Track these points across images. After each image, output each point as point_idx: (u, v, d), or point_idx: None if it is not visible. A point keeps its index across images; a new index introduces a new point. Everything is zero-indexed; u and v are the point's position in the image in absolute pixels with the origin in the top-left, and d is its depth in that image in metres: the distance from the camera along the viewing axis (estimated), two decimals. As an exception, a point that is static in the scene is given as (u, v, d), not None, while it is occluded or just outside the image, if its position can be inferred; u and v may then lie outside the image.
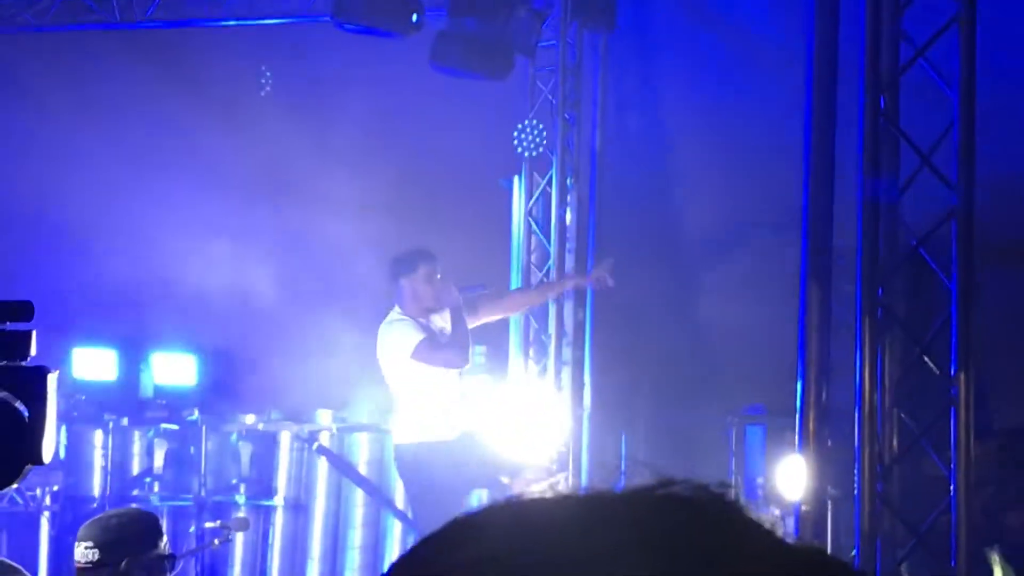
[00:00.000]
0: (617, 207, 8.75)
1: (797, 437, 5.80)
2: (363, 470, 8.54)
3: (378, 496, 8.46)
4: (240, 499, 8.54)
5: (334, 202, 8.75)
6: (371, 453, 8.55)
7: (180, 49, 9.72)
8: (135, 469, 8.75)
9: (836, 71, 5.85)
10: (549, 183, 8.41)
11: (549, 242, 8.39)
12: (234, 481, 8.61)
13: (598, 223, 8.58)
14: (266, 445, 8.69)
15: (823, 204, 5.88)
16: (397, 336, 6.57)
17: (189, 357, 8.94)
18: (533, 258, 8.52)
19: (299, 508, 8.61)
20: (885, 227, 5.74)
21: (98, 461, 8.65)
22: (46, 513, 8.44)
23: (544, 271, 8.37)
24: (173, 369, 8.95)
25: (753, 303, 8.22)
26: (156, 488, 8.56)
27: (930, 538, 5.54)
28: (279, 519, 8.63)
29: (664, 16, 9.26)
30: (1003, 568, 5.72)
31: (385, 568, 0.73)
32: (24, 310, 2.50)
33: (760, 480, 7.07)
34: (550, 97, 8.46)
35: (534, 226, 8.51)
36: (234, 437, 8.68)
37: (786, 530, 0.73)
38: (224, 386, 8.95)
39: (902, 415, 5.80)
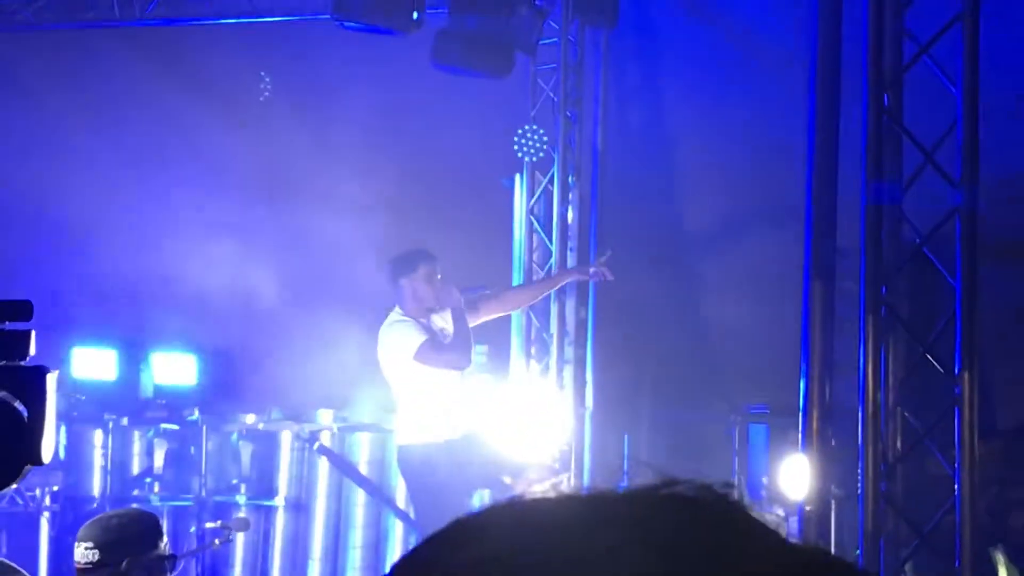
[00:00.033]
0: (619, 205, 8.73)
1: (800, 436, 5.78)
2: (364, 470, 8.52)
3: (379, 496, 8.45)
4: (241, 499, 8.52)
5: (335, 201, 8.73)
6: (372, 453, 8.53)
7: (180, 47, 9.70)
8: (135, 469, 8.72)
9: (839, 69, 5.83)
10: (551, 181, 8.39)
11: (551, 241, 8.37)
12: (235, 481, 8.59)
13: (600, 221, 8.56)
14: (267, 445, 8.67)
15: (826, 202, 5.86)
16: (399, 337, 6.54)
17: (189, 356, 8.92)
18: (535, 257, 8.50)
19: (300, 508, 8.59)
20: (888, 226, 5.72)
21: (98, 461, 8.63)
22: (46, 513, 8.42)
23: (546, 270, 8.34)
24: (173, 369, 8.92)
25: (756, 301, 8.21)
26: (156, 488, 8.54)
27: (934, 538, 5.53)
28: (280, 519, 8.61)
29: (665, 13, 9.24)
30: (1007, 568, 5.70)
31: (387, 568, 0.72)
32: (23, 310, 2.50)
33: (765, 480, 7.04)
34: (551, 95, 8.44)
35: (536, 225, 8.49)
36: (235, 437, 8.66)
37: (789, 530, 0.71)
38: (225, 386, 8.93)
39: (906, 414, 5.79)
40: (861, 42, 5.64)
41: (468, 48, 7.65)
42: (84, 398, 8.70)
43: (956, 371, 5.45)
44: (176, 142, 9.60)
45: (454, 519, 0.73)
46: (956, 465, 5.42)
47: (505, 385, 8.13)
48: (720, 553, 0.69)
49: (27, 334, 2.46)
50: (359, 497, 8.49)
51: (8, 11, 9.15)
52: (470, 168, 8.83)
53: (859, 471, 5.50)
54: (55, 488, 8.43)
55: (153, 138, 9.70)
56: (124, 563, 3.78)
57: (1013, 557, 5.81)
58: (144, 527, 3.91)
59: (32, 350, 2.47)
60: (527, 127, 8.06)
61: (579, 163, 8.45)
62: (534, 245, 8.50)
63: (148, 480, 8.59)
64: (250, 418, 8.65)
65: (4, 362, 2.44)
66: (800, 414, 5.77)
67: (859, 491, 5.51)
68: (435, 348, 6.50)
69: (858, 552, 5.52)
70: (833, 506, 5.91)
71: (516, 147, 8.01)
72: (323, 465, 8.60)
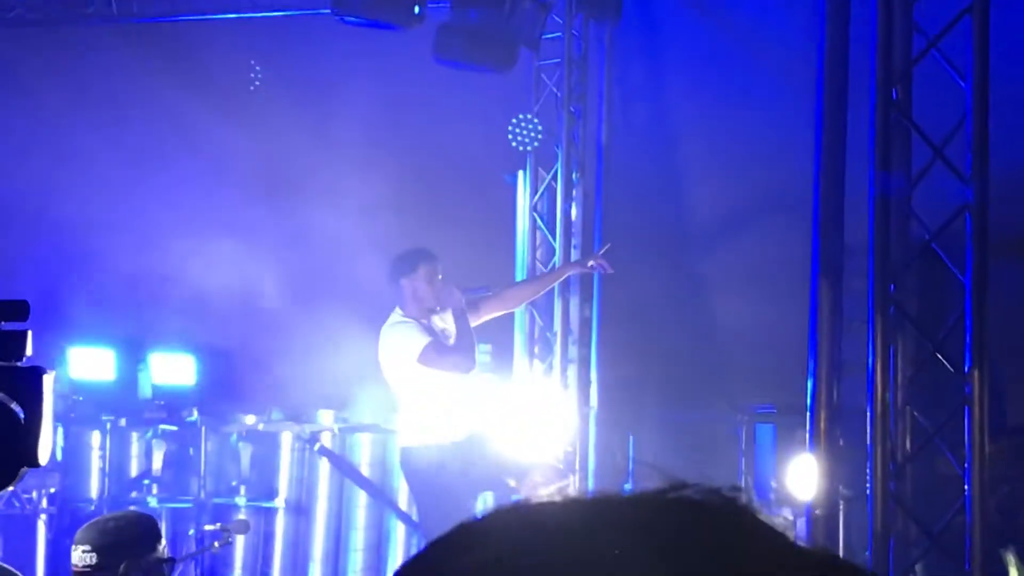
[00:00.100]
0: (623, 202, 8.68)
1: (808, 436, 5.74)
2: (365, 471, 8.48)
3: (381, 497, 8.41)
4: (240, 501, 8.48)
5: (336, 199, 8.67)
6: (373, 454, 8.49)
7: (179, 44, 9.66)
8: (133, 471, 8.67)
9: (847, 64, 5.79)
10: (554, 178, 8.34)
11: (554, 238, 8.32)
12: (234, 483, 8.54)
13: (604, 218, 8.50)
14: (267, 446, 8.63)
15: (834, 200, 5.81)
16: (401, 339, 6.49)
17: (188, 357, 8.85)
18: (538, 254, 8.45)
19: (300, 510, 8.55)
20: (897, 222, 5.69)
21: (96, 463, 8.57)
22: (43, 516, 8.36)
23: (549, 267, 8.29)
24: (172, 369, 8.85)
25: (763, 298, 8.17)
26: (155, 490, 8.49)
27: (944, 538, 5.50)
28: (280, 521, 8.57)
29: (669, 9, 9.20)
30: (1019, 569, 5.65)
31: (389, 572, 0.65)
32: (20, 309, 2.47)
33: (773, 484, 7.00)
34: (555, 90, 8.39)
35: (539, 221, 8.44)
36: (234, 438, 8.61)
37: (797, 532, 0.64)
38: (224, 386, 8.88)
39: (915, 413, 5.77)
40: (869, 37, 5.60)
41: (470, 42, 7.59)
42: (81, 399, 8.65)
43: (966, 369, 5.43)
44: (175, 140, 9.56)
45: (458, 523, 0.73)
46: (966, 464, 5.40)
47: (508, 384, 8.08)
48: (726, 556, 0.68)
49: (24, 334, 2.44)
50: (360, 499, 8.46)
51: (3, 7, 9.10)
52: (472, 164, 8.79)
53: (868, 471, 5.47)
54: (52, 490, 8.38)
55: (152, 136, 9.66)
56: (122, 566, 3.79)
57: (1025, 558, 5.76)
58: (142, 530, 3.91)
59: (29, 350, 2.45)
60: (522, 116, 8.02)
61: (583, 159, 8.41)
62: (537, 242, 8.45)
63: (146, 482, 8.53)
64: (250, 419, 8.61)
65: (0, 363, 2.40)
66: (807, 413, 5.73)
67: (868, 491, 5.49)
68: (439, 351, 6.45)
69: (867, 553, 5.47)
70: (842, 506, 5.88)
71: (511, 136, 7.97)
72: (324, 466, 8.56)
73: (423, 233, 7.44)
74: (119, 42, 9.67)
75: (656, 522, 0.70)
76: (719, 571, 0.68)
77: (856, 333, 5.81)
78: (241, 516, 8.06)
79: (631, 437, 8.07)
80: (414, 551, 0.76)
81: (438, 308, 6.64)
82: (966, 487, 5.37)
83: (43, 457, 2.41)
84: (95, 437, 8.61)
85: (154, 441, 8.62)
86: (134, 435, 8.71)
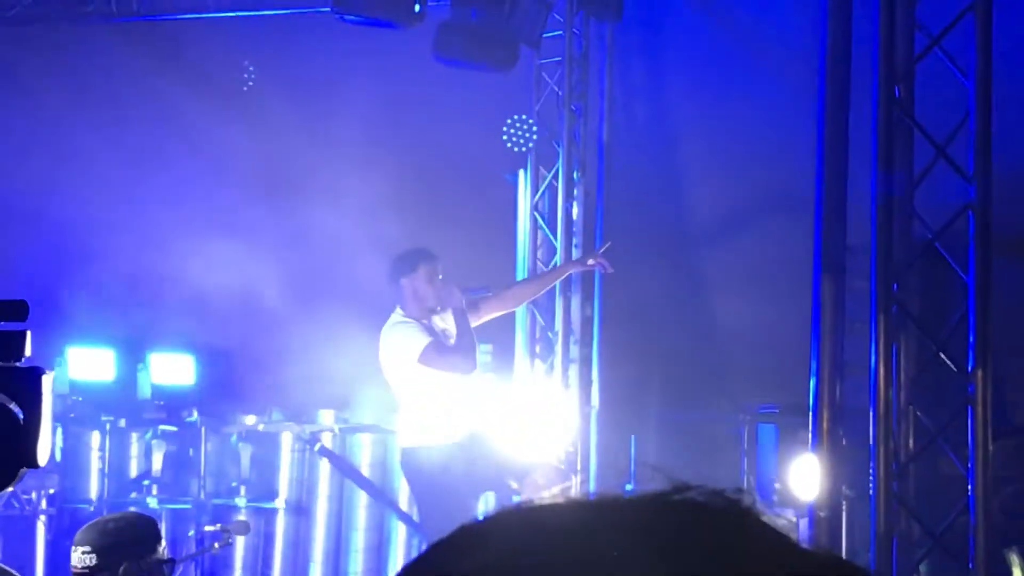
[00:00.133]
0: (624, 201, 8.66)
1: (811, 436, 5.73)
2: (366, 471, 8.47)
3: (381, 498, 8.39)
4: (240, 502, 8.47)
5: (336, 198, 8.65)
6: (374, 454, 8.48)
7: (180, 42, 9.65)
8: (133, 471, 8.66)
9: (849, 62, 5.77)
10: (555, 177, 8.33)
11: (555, 237, 8.31)
12: (234, 483, 8.53)
13: (605, 217, 8.48)
14: (267, 446, 8.61)
15: (836, 198, 5.79)
16: (402, 339, 6.47)
17: (188, 357, 8.83)
18: (539, 254, 8.44)
19: (301, 511, 8.54)
20: (899, 221, 5.67)
21: (95, 463, 8.56)
22: (42, 517, 8.34)
23: (550, 267, 8.26)
24: (172, 369, 8.83)
25: (765, 298, 8.16)
26: (155, 491, 8.47)
27: (948, 539, 5.48)
28: (280, 522, 8.56)
29: (670, 7, 9.19)
30: (1023, 569, 5.63)
31: (390, 573, 0.63)
32: (18, 310, 2.46)
33: (777, 486, 6.98)
34: (556, 89, 8.38)
35: (540, 221, 8.42)
36: (234, 438, 8.60)
37: (800, 532, 0.62)
38: (224, 386, 8.86)
39: (918, 413, 5.75)
40: (871, 35, 5.58)
41: (471, 41, 7.57)
42: (81, 399, 8.63)
43: (969, 369, 5.42)
44: (175, 140, 9.54)
45: (460, 525, 0.73)
46: (970, 464, 5.38)
47: (509, 384, 8.06)
48: (726, 557, 0.68)
49: (22, 334, 2.44)
50: (361, 499, 8.45)
51: (3, 5, 9.08)
52: (473, 163, 8.77)
53: (871, 471, 5.46)
54: (51, 491, 8.36)
55: (152, 136, 9.65)
56: (122, 568, 3.79)
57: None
58: (142, 531, 3.91)
59: (27, 351, 2.44)
60: (516, 117, 8.03)
61: (584, 158, 8.39)
62: (538, 242, 8.43)
63: (146, 483, 8.52)
64: (250, 419, 8.59)
65: (-1, 363, 2.40)
66: (810, 413, 5.71)
67: (871, 491, 5.47)
68: (439, 351, 6.43)
69: (870, 553, 5.45)
70: (844, 507, 5.85)
71: (505, 137, 7.97)
72: (324, 467, 8.54)
73: (423, 232, 7.43)
74: (119, 41, 9.65)
75: (657, 523, 0.70)
76: (719, 571, 0.68)
77: (858, 333, 5.79)
78: (241, 517, 8.05)
79: (633, 437, 8.05)
80: (415, 552, 0.76)
81: (438, 308, 6.62)
82: (969, 487, 5.35)
83: (42, 458, 2.41)
84: (95, 438, 8.60)
85: (154, 442, 8.61)
86: (134, 436, 8.69)
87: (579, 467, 7.97)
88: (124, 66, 9.73)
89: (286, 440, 8.62)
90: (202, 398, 8.72)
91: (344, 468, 8.50)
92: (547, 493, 0.76)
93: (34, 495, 8.30)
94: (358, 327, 7.12)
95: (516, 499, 0.69)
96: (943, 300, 6.13)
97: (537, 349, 8.43)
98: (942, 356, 5.54)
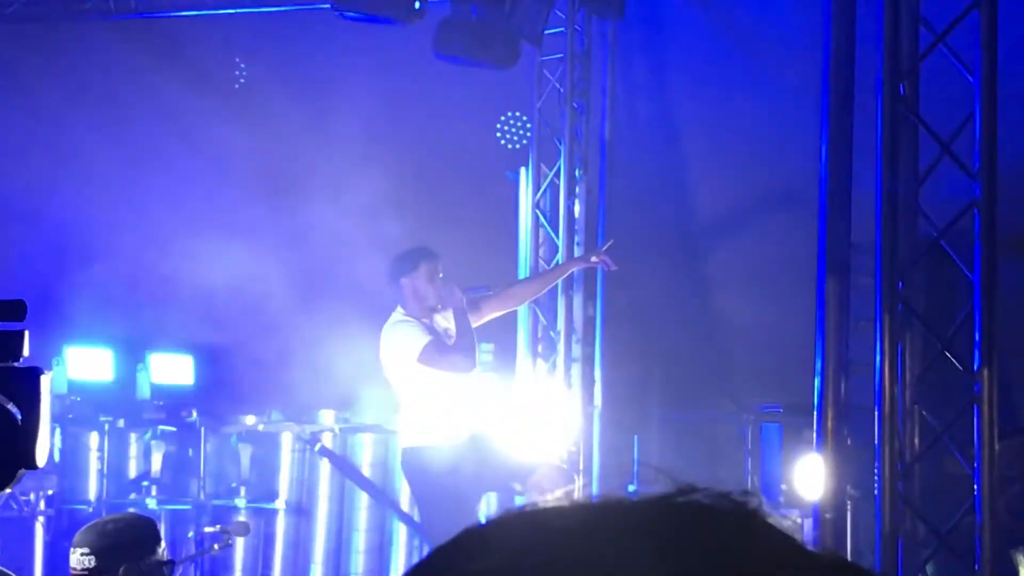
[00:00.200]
0: (627, 198, 8.64)
1: (815, 435, 5.71)
2: (367, 472, 8.45)
3: (382, 498, 8.37)
4: (240, 503, 8.45)
5: (336, 196, 8.63)
6: (375, 454, 8.46)
7: (179, 40, 9.63)
8: (132, 472, 8.63)
9: (853, 59, 5.75)
10: (557, 174, 8.31)
11: (557, 235, 8.28)
12: (234, 484, 8.51)
13: (608, 215, 8.45)
14: (267, 447, 8.59)
15: (840, 197, 5.77)
16: (402, 338, 6.45)
17: (187, 357, 8.81)
18: (541, 252, 8.42)
19: (301, 511, 8.52)
20: (904, 219, 5.64)
21: (94, 464, 8.53)
22: (40, 518, 8.31)
23: (552, 265, 8.24)
24: (171, 369, 8.81)
25: (769, 296, 8.15)
26: (154, 492, 8.45)
27: (953, 538, 5.46)
28: (281, 523, 8.54)
29: (672, 5, 9.17)
30: (1029, 569, 5.60)
31: (391, 574, 0.60)
32: (16, 309, 2.43)
33: (783, 487, 6.95)
34: (557, 86, 8.35)
35: (542, 219, 8.40)
36: (234, 439, 8.58)
37: (805, 533, 0.59)
38: (223, 386, 8.84)
39: (923, 412, 5.73)
40: (876, 32, 5.55)
41: (472, 38, 7.54)
42: (79, 399, 8.60)
43: (975, 368, 5.39)
44: (175, 138, 9.52)
45: (464, 528, 0.73)
46: (976, 464, 5.36)
47: (511, 384, 8.04)
48: (727, 557, 0.68)
49: (20, 334, 2.42)
50: (362, 500, 8.43)
51: (1, 4, 9.05)
52: (474, 161, 8.76)
53: (876, 471, 5.43)
54: (50, 492, 8.33)
55: (151, 134, 9.63)
56: (121, 569, 3.78)
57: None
58: (141, 532, 3.89)
59: (26, 351, 2.42)
60: (509, 114, 8.02)
61: (585, 155, 8.37)
62: (540, 240, 8.41)
63: (145, 484, 8.49)
64: (250, 419, 8.58)
65: (-3, 363, 2.37)
66: (815, 413, 5.69)
67: (876, 491, 5.44)
68: (439, 350, 6.40)
69: (875, 553, 5.43)
70: (849, 507, 5.83)
71: (499, 135, 7.96)
72: (325, 467, 8.52)
73: (424, 231, 7.40)
74: (117, 38, 9.64)
75: (661, 525, 0.70)
76: (721, 572, 0.68)
77: (863, 331, 5.77)
78: (241, 518, 8.03)
79: (636, 437, 8.02)
80: (416, 554, 0.73)
81: (439, 307, 6.59)
82: (975, 487, 5.33)
83: (41, 459, 2.40)
84: (93, 438, 8.57)
85: (153, 442, 8.58)
86: (133, 436, 8.67)
87: (582, 467, 7.95)
88: (123, 64, 9.72)
89: (286, 440, 8.60)
90: (202, 398, 8.70)
91: (345, 468, 8.48)
92: (551, 495, 0.73)
93: (32, 496, 8.27)
94: (359, 326, 7.09)
95: (519, 501, 0.67)
96: (948, 298, 6.11)
97: (539, 348, 8.40)
98: (947, 355, 5.52)
